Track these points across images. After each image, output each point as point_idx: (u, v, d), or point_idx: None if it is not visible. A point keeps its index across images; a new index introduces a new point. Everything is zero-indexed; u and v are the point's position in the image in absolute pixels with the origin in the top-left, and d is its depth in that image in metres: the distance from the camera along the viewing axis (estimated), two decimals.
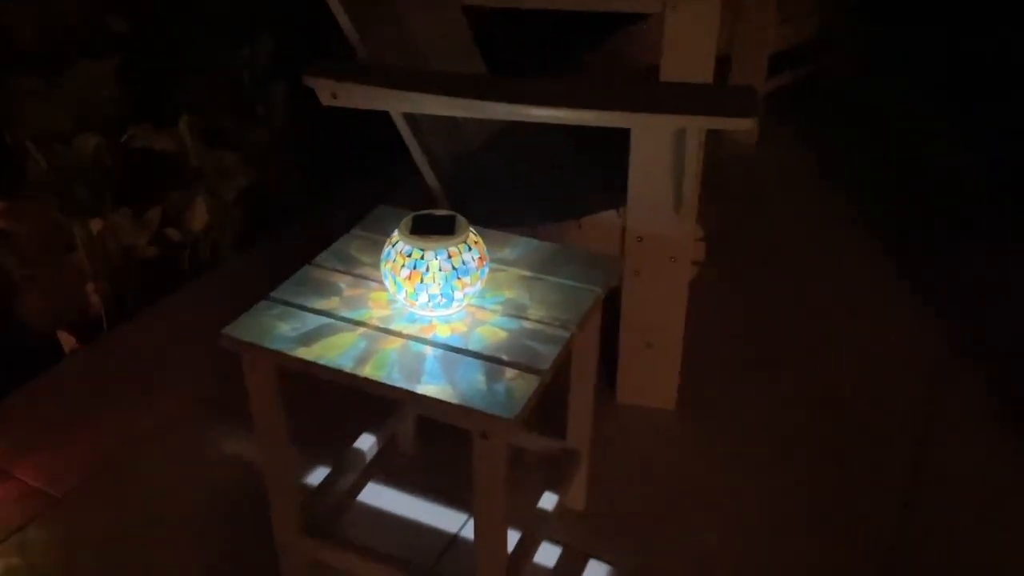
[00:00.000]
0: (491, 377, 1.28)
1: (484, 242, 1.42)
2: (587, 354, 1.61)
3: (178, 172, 2.63)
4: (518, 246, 1.59)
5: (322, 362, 1.31)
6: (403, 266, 1.35)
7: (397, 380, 1.27)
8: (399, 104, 1.83)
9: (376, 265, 1.47)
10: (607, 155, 2.05)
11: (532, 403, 1.25)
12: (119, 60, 2.45)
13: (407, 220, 1.39)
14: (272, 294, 1.46)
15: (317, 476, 1.87)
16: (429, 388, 1.26)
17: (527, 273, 1.52)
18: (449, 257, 1.35)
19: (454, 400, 1.23)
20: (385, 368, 1.29)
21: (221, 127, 2.74)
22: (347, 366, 1.30)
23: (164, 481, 1.88)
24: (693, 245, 1.88)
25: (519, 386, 1.26)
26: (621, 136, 1.75)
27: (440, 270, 1.34)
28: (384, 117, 1.91)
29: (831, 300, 2.47)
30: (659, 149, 1.74)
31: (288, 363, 1.34)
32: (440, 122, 2.08)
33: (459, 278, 1.35)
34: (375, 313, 1.42)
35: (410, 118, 1.94)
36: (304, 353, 1.32)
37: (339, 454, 1.76)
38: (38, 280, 2.38)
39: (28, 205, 2.37)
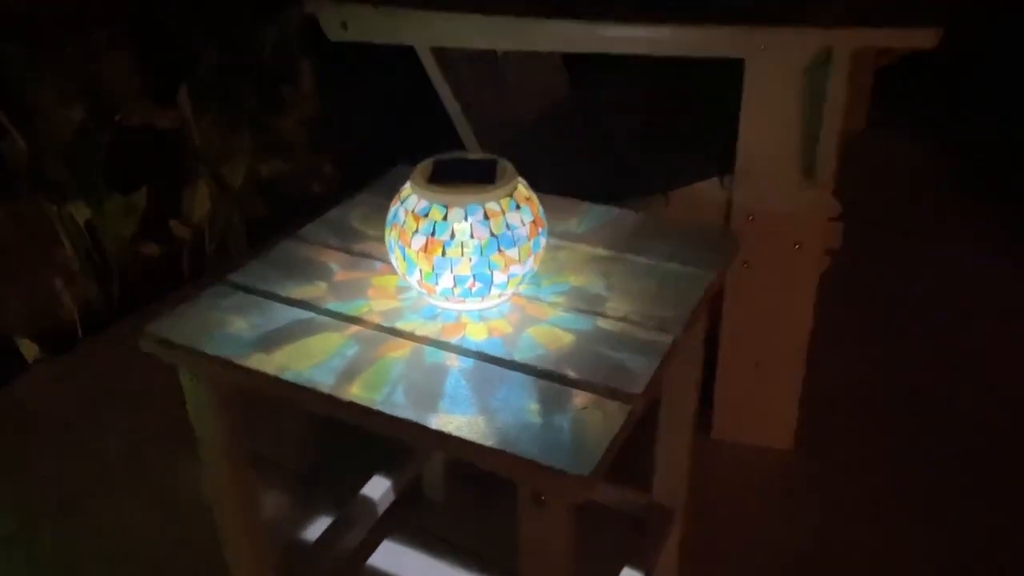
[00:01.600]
0: (550, 405, 0.80)
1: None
2: (687, 371, 1.12)
3: (178, 152, 2.21)
4: (588, 215, 1.11)
5: (286, 376, 0.84)
6: (416, 232, 0.88)
7: (400, 407, 0.80)
8: (425, 34, 1.37)
9: (384, 239, 1.01)
10: (703, 114, 1.57)
11: (615, 449, 0.76)
12: (116, 28, 2.06)
13: (425, 164, 0.93)
14: (231, 276, 1.01)
15: (314, 530, 1.40)
16: (451, 422, 0.78)
17: (602, 251, 1.04)
18: (486, 218, 0.88)
19: (490, 442, 0.76)
20: (383, 388, 0.83)
21: (235, 107, 2.33)
22: (325, 383, 0.83)
23: (121, 521, 1.44)
24: (826, 227, 1.38)
25: (596, 421, 0.78)
26: (721, 89, 1.28)
27: (472, 237, 0.87)
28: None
29: (983, 307, 1.93)
30: (785, 87, 1.25)
31: (235, 377, 0.88)
32: (484, 76, 1.62)
33: (501, 250, 0.88)
34: (376, 305, 0.95)
35: (445, 64, 1.48)
36: (261, 363, 0.86)
37: (344, 501, 1.29)
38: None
39: None
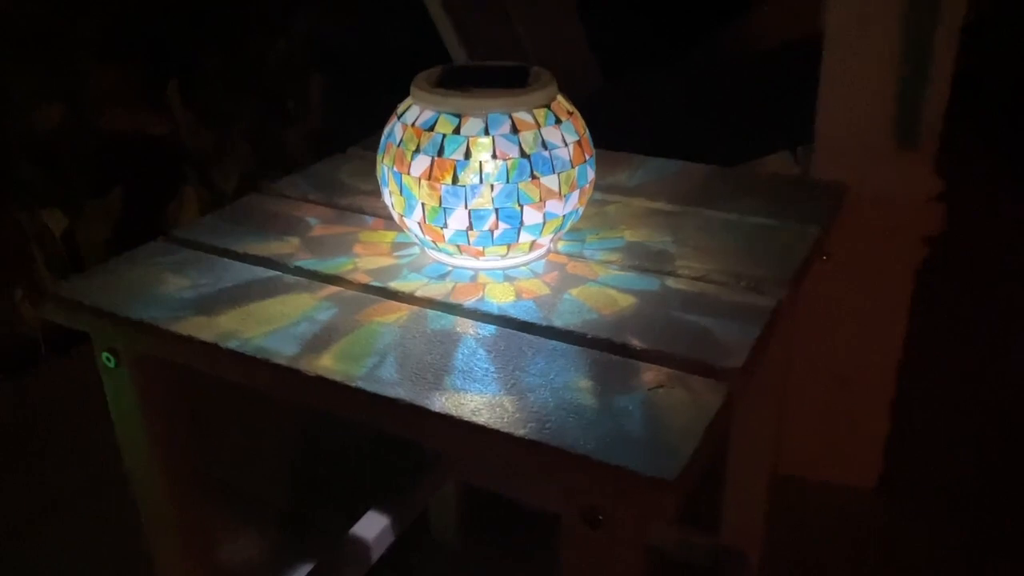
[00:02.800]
0: (608, 383, 0.54)
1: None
2: (771, 377, 0.86)
3: (165, 154, 2.00)
4: (643, 168, 0.87)
5: (230, 344, 0.59)
6: (417, 151, 0.64)
7: (390, 384, 0.55)
8: None
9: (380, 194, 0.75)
10: (765, 89, 1.34)
11: (710, 446, 0.51)
12: (109, 27, 1.87)
13: (434, 70, 0.69)
14: (174, 231, 0.77)
15: None
16: (464, 403, 0.53)
17: (664, 205, 0.79)
18: (515, 131, 0.63)
19: (522, 430, 0.50)
20: (366, 359, 0.57)
21: (232, 117, 2.12)
22: (283, 353, 0.58)
23: (61, 567, 1.18)
24: (926, 208, 1.12)
25: (678, 404, 0.52)
26: (787, 60, 1.05)
27: (495, 157, 0.63)
28: None
29: None
30: (880, 26, 1.02)
31: (162, 348, 0.63)
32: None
33: (535, 177, 0.63)
34: (364, 263, 0.70)
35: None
36: (197, 328, 0.61)
37: (331, 542, 1.03)
38: None
39: None
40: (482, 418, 0.51)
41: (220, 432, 1.27)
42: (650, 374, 0.55)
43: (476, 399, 0.53)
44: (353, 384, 0.55)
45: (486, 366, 0.57)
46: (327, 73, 2.32)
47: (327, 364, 0.57)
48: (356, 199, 0.81)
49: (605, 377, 0.55)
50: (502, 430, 0.50)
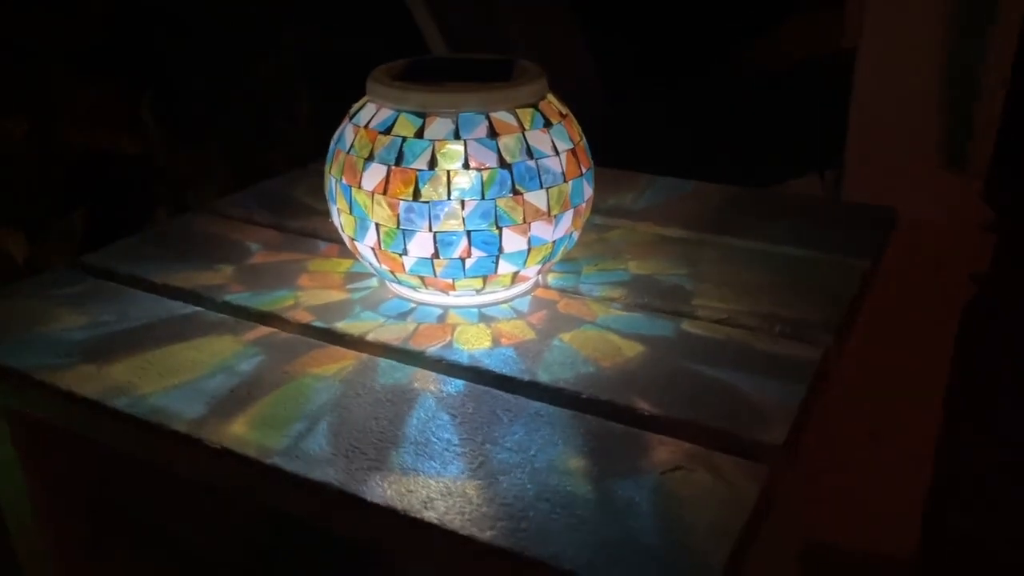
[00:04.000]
0: (609, 462, 0.41)
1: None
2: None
3: (138, 174, 1.88)
4: (651, 188, 0.74)
5: (117, 404, 0.46)
6: (370, 159, 0.51)
7: (317, 462, 0.41)
8: None
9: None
10: (791, 102, 1.22)
11: (744, 552, 0.37)
12: (84, 39, 1.76)
13: (398, 63, 0.56)
14: (84, 257, 0.63)
15: None
16: (413, 491, 0.39)
17: (677, 232, 0.66)
18: (492, 134, 0.50)
19: (488, 533, 0.36)
20: (289, 425, 0.44)
21: (211, 135, 2.00)
22: (183, 416, 0.44)
23: None
24: (974, 239, 0.99)
25: (702, 496, 0.39)
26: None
27: (468, 167, 0.50)
28: None
29: None
30: (923, 35, 0.89)
31: (36, 403, 0.49)
32: None
33: (518, 192, 0.50)
34: (308, 298, 0.57)
35: None
36: (80, 381, 0.48)
37: None
38: None
39: None
40: (435, 512, 0.38)
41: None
42: (664, 451, 0.42)
43: (430, 484, 0.40)
44: (268, 460, 0.41)
45: (447, 436, 0.43)
46: (314, 89, 2.21)
47: (238, 432, 0.43)
48: (309, 221, 0.68)
49: (604, 454, 0.41)
50: (461, 531, 0.37)
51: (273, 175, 1.34)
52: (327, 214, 0.59)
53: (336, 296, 0.57)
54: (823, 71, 1.14)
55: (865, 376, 1.04)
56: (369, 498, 0.39)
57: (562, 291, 0.57)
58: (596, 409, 0.45)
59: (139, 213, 1.88)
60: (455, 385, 0.47)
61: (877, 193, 0.98)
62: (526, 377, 0.48)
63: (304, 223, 0.68)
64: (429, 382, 0.48)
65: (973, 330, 1.05)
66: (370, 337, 0.52)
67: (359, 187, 0.51)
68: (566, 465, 0.41)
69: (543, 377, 0.48)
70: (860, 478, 1.10)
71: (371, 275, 0.59)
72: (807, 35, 1.60)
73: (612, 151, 0.72)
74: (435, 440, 0.43)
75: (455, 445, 0.42)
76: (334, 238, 0.64)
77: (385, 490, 0.39)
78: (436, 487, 0.39)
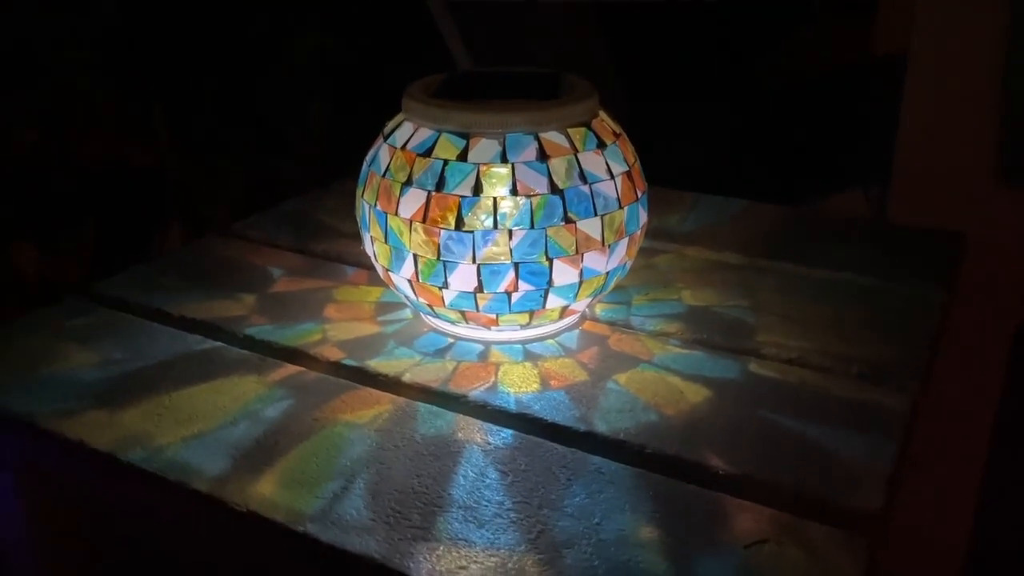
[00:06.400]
0: (682, 531, 0.36)
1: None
2: None
3: (149, 185, 1.84)
4: (697, 207, 0.69)
5: (132, 457, 0.41)
6: (408, 184, 0.46)
7: (354, 529, 0.37)
8: None
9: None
10: (827, 113, 1.18)
11: None
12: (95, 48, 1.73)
13: (435, 77, 0.51)
14: (95, 286, 0.59)
15: None
16: (463, 563, 0.35)
17: (732, 257, 0.61)
18: (542, 157, 0.46)
19: None
20: (322, 485, 0.39)
21: (224, 144, 1.97)
22: (204, 473, 0.40)
23: None
24: None
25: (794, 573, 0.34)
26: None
27: (515, 193, 0.45)
28: None
29: None
30: (979, 43, 0.85)
31: (45, 454, 0.45)
32: None
33: (570, 221, 0.46)
34: (336, 332, 0.52)
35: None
36: (93, 429, 0.43)
37: None
38: None
39: None
40: None
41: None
42: (746, 519, 0.37)
43: (482, 558, 0.35)
44: (299, 528, 0.37)
45: (499, 499, 0.38)
46: (329, 98, 2.17)
47: (266, 492, 0.39)
48: (334, 244, 0.64)
49: (678, 523, 0.37)
50: None
51: (286, 186, 1.28)
52: (353, 236, 0.54)
53: (367, 329, 0.53)
54: (859, 80, 1.09)
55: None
56: (415, 574, 0.34)
57: (612, 324, 0.53)
58: (663, 466, 0.40)
59: (151, 224, 1.84)
60: (503, 436, 0.43)
61: (926, 209, 0.93)
62: (582, 427, 0.43)
63: (328, 246, 0.63)
64: (474, 431, 0.43)
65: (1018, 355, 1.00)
66: (406, 378, 0.47)
67: (395, 214, 0.47)
68: (637, 536, 0.36)
69: (601, 427, 0.43)
70: (902, 512, 1.05)
71: (404, 305, 0.55)
72: (836, 42, 1.55)
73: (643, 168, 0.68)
74: (485, 503, 0.38)
75: (508, 510, 0.38)
76: (362, 263, 0.60)
77: (433, 565, 0.35)
78: (490, 563, 0.35)
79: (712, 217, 0.68)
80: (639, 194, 0.49)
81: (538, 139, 0.46)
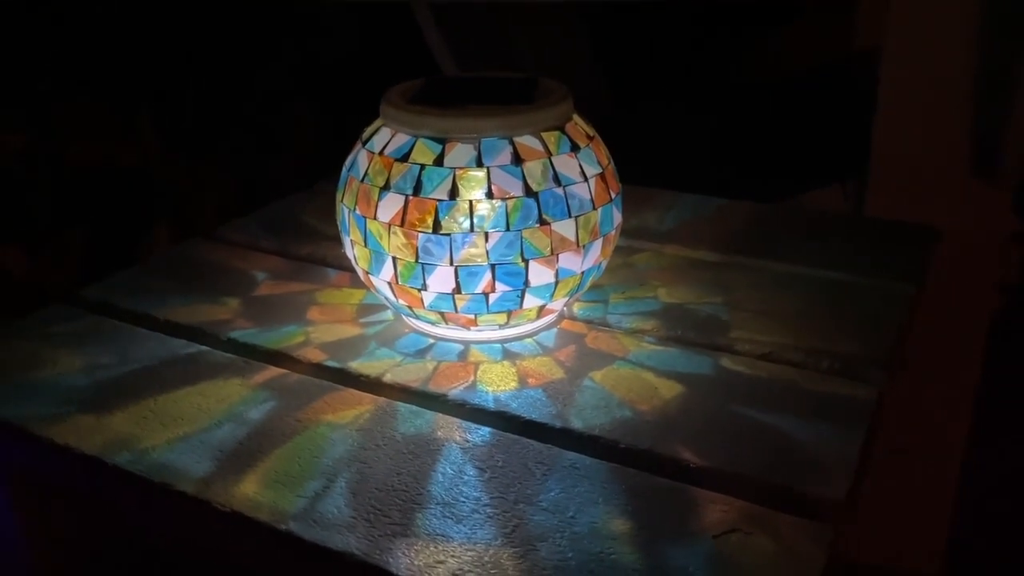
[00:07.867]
0: (654, 524, 0.37)
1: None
2: None
3: (136, 187, 1.84)
4: (675, 207, 0.71)
5: (119, 460, 0.42)
6: (387, 188, 0.47)
7: (333, 524, 0.38)
8: None
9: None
10: (804, 109, 1.19)
11: None
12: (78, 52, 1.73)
13: (412, 83, 0.53)
14: (84, 291, 0.60)
15: None
16: (441, 557, 0.36)
17: (707, 255, 0.62)
18: (517, 160, 0.47)
19: None
20: (305, 483, 0.40)
21: (212, 146, 1.97)
22: (189, 474, 0.41)
23: None
24: (1002, 250, 0.96)
25: (762, 565, 0.35)
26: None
27: (491, 196, 0.46)
28: None
29: None
30: (952, 38, 0.86)
31: (33, 458, 0.46)
32: None
33: (544, 222, 0.47)
34: (319, 334, 0.53)
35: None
36: (81, 433, 0.44)
37: None
38: None
39: None
40: None
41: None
42: (715, 510, 0.38)
43: (459, 552, 0.36)
44: (282, 527, 0.38)
45: (476, 495, 0.40)
46: (318, 99, 2.17)
47: (250, 491, 0.40)
48: (318, 247, 0.65)
49: (650, 515, 0.38)
50: None
51: (274, 188, 1.29)
52: (336, 239, 0.55)
53: (349, 331, 0.54)
54: (836, 75, 1.10)
55: (893, 392, 1.01)
56: (395, 570, 0.35)
57: (589, 323, 0.54)
58: (636, 461, 0.42)
59: (139, 227, 1.85)
60: (481, 433, 0.44)
61: (902, 203, 0.94)
62: (558, 423, 0.44)
63: (312, 249, 0.64)
64: (453, 430, 0.44)
65: (1001, 342, 1.01)
66: (387, 378, 0.49)
67: (374, 218, 0.48)
68: (609, 528, 0.37)
69: (576, 423, 0.44)
70: (885, 495, 1.07)
71: (385, 307, 0.56)
72: (814, 38, 1.56)
73: (624, 166, 0.69)
74: (463, 499, 0.39)
75: (485, 505, 0.39)
76: (344, 266, 0.61)
77: (412, 560, 0.36)
78: (467, 556, 0.36)
79: (689, 214, 0.69)
80: (613, 195, 0.50)
81: (513, 143, 0.47)
